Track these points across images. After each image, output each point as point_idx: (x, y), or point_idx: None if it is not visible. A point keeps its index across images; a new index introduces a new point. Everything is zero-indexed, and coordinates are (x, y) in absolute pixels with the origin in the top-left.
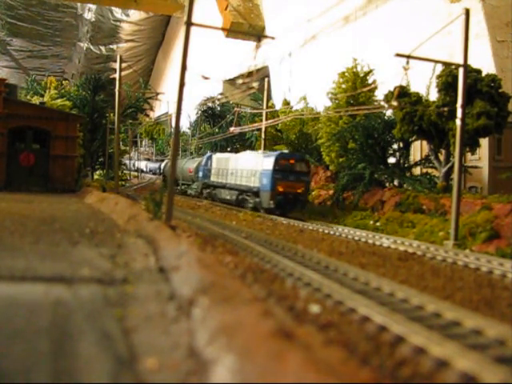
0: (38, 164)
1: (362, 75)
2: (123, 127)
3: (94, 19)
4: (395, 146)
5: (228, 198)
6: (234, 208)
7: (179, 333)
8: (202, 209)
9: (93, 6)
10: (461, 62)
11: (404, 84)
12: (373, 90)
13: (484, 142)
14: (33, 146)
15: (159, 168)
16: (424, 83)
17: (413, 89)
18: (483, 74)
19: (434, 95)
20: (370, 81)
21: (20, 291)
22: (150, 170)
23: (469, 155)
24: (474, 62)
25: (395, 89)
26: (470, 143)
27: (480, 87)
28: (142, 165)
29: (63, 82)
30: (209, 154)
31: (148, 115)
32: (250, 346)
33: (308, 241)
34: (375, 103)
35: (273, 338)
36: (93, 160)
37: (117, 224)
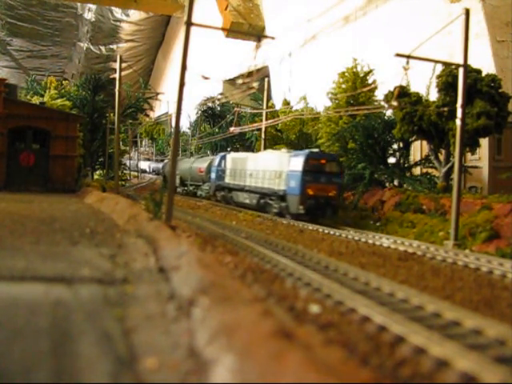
0: (37, 164)
1: (361, 75)
2: (123, 127)
3: (94, 19)
4: (395, 146)
5: (247, 201)
6: (233, 208)
7: (179, 333)
8: (201, 209)
9: (93, 6)
10: (461, 62)
11: (404, 84)
12: (373, 90)
13: (484, 142)
14: (33, 145)
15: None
16: (424, 83)
17: (413, 89)
18: (483, 74)
19: (434, 95)
20: (370, 81)
21: (20, 291)
22: (153, 171)
23: (469, 155)
24: (474, 62)
25: (395, 89)
26: (470, 143)
27: (480, 87)
28: (145, 165)
29: (63, 81)
30: (222, 153)
31: (148, 115)
32: (249, 346)
33: (308, 241)
34: (375, 103)
35: (273, 337)
36: (93, 160)
37: (117, 224)
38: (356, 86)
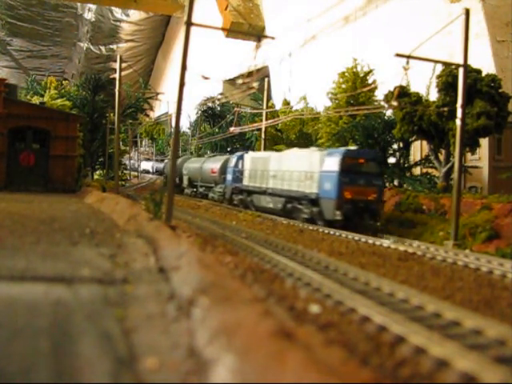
0: (37, 164)
1: (361, 75)
2: (123, 127)
3: (94, 19)
4: (395, 146)
5: (270, 206)
6: (233, 208)
7: (179, 333)
8: (201, 209)
9: (93, 6)
10: (461, 61)
11: (404, 84)
12: (373, 90)
13: (484, 142)
14: (33, 145)
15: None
16: (424, 83)
17: (413, 89)
18: (483, 74)
19: (434, 95)
20: (369, 81)
21: (20, 291)
22: (157, 171)
23: (469, 155)
24: (474, 62)
25: (395, 89)
26: (470, 143)
27: (480, 87)
28: (148, 165)
29: (63, 81)
30: (239, 153)
31: (148, 115)
32: (249, 346)
33: (308, 241)
34: (375, 103)
35: (273, 337)
36: (93, 160)
37: (117, 224)
38: (356, 85)
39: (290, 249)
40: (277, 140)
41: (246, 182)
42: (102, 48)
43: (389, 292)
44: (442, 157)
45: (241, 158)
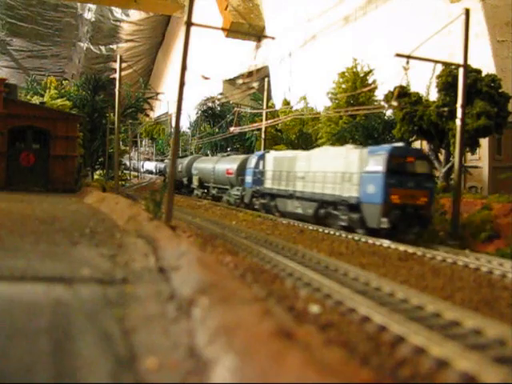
0: (38, 164)
1: (361, 75)
2: (123, 127)
3: (94, 19)
4: None
5: (299, 211)
6: (233, 208)
7: (179, 333)
8: (201, 209)
9: (93, 6)
10: (461, 61)
11: (404, 84)
12: (373, 90)
13: (484, 142)
14: (33, 145)
15: None
16: (424, 83)
17: (413, 89)
18: (483, 74)
19: (434, 95)
20: (369, 81)
21: (20, 291)
22: (160, 171)
23: (469, 155)
24: (474, 62)
25: (395, 89)
26: (470, 143)
27: (480, 87)
28: (151, 166)
29: (63, 81)
30: (259, 152)
31: (148, 115)
32: (249, 346)
33: (308, 241)
34: (375, 103)
35: (273, 338)
36: (93, 160)
37: (117, 224)
38: (356, 85)
39: (290, 249)
40: (277, 140)
41: (268, 184)
42: (102, 48)
43: (389, 292)
44: (441, 157)
45: (262, 157)
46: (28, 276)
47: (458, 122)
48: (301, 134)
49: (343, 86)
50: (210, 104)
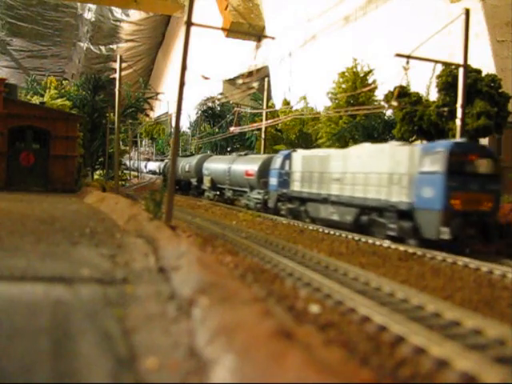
0: (37, 164)
1: (361, 75)
2: (123, 127)
3: (94, 19)
4: None
5: (335, 218)
6: (233, 208)
7: (179, 333)
8: (201, 209)
9: (93, 6)
10: (461, 62)
11: (404, 84)
12: (373, 90)
13: (484, 142)
14: (33, 145)
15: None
16: (424, 83)
17: (413, 89)
18: (483, 74)
19: (434, 95)
20: (369, 81)
21: (20, 291)
22: (164, 172)
23: None
24: (474, 62)
25: (395, 89)
26: None
27: (480, 87)
28: (154, 166)
29: (63, 81)
30: (285, 151)
31: (148, 115)
32: (249, 346)
33: (308, 241)
34: (375, 103)
35: (273, 337)
36: (93, 160)
37: (117, 224)
38: (356, 85)
39: (290, 249)
40: (277, 140)
41: (297, 187)
42: (102, 48)
43: (389, 292)
44: None
45: (288, 157)
46: (28, 276)
47: (458, 121)
48: (301, 133)
49: (343, 85)
50: (209, 104)
